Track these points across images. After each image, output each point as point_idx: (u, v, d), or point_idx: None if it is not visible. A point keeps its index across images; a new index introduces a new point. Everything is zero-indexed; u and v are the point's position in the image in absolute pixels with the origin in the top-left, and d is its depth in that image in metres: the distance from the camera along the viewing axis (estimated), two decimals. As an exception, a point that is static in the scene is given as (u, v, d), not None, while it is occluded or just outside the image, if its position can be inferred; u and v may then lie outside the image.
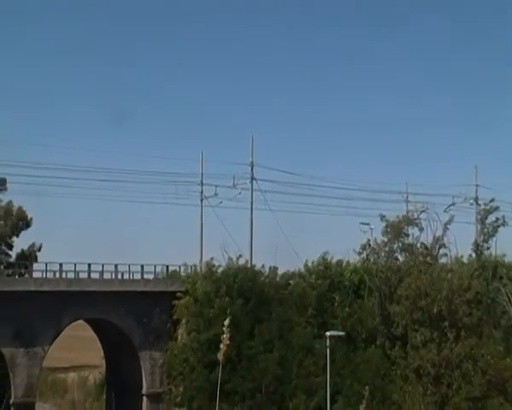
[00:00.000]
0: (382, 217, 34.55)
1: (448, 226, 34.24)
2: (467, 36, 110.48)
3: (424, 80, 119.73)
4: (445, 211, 38.52)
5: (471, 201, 42.34)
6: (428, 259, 32.78)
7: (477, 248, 37.13)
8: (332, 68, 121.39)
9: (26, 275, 31.30)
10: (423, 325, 30.13)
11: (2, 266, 30.59)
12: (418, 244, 33.86)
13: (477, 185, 43.01)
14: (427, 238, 34.12)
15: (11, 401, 29.10)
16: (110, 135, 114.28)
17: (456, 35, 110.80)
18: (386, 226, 33.72)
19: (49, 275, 31.55)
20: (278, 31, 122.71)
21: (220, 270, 31.54)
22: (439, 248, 33.82)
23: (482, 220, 38.09)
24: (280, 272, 33.65)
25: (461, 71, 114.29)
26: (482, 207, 38.77)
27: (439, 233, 33.94)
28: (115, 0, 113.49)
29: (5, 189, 55.46)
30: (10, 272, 31.08)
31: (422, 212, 35.43)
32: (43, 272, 31.53)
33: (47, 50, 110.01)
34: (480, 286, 32.13)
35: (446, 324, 29.81)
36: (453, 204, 40.79)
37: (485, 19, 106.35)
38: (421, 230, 34.79)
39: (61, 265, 32.01)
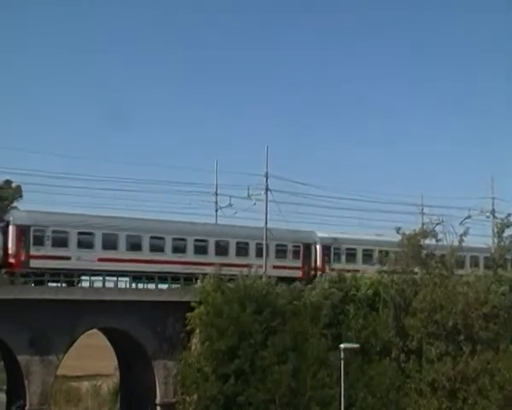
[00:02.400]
0: (398, 229, 34.44)
1: (464, 239, 34.04)
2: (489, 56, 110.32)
3: (439, 93, 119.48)
4: (460, 224, 38.32)
5: (487, 213, 42.07)
6: (444, 272, 32.55)
7: (494, 261, 36.82)
8: (347, 80, 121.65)
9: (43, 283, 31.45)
10: (438, 339, 29.90)
11: (18, 275, 30.76)
12: (434, 257, 33.66)
13: (493, 198, 42.75)
14: (442, 251, 33.95)
15: (26, 408, 29.25)
16: (122, 144, 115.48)
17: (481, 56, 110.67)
18: (402, 239, 33.59)
19: (65, 283, 31.75)
20: (294, 41, 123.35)
21: (230, 282, 31.48)
22: (455, 261, 33.61)
23: (499, 234, 37.79)
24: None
25: (476, 83, 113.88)
26: (499, 220, 38.48)
27: (455, 246, 33.74)
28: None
29: (21, 196, 56.26)
30: (26, 280, 31.27)
31: (438, 224, 35.30)
32: (58, 280, 31.72)
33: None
34: (497, 300, 31.81)
35: (462, 337, 29.55)
36: (469, 217, 40.53)
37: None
38: (438, 242, 34.64)
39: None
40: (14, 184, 54.98)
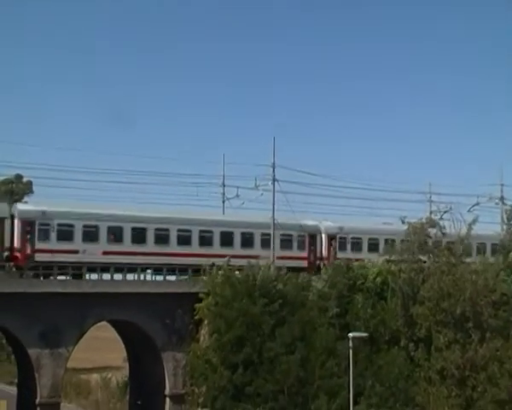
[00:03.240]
0: (403, 219, 34.30)
1: (473, 227, 33.88)
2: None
3: (446, 80, 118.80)
4: (469, 211, 38.22)
5: (496, 200, 41.89)
6: (452, 260, 32.42)
7: (503, 248, 36.65)
8: (354, 71, 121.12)
9: (51, 277, 31.60)
10: (447, 327, 29.80)
11: (27, 268, 30.89)
12: (441, 245, 33.53)
13: (502, 185, 42.56)
14: (450, 239, 33.82)
15: (37, 401, 29.47)
16: (129, 137, 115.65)
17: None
18: (409, 228, 33.47)
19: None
20: (297, 34, 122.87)
21: (238, 273, 31.48)
22: (464, 248, 33.45)
23: (508, 220, 37.60)
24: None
25: (484, 70, 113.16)
26: (508, 206, 38.29)
27: (463, 233, 33.60)
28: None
29: (31, 191, 56.74)
30: (36, 273, 31.42)
31: (446, 212, 35.15)
32: (67, 273, 31.85)
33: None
34: (507, 287, 31.68)
35: (471, 325, 29.44)
36: (478, 204, 40.42)
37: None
38: (445, 230, 34.50)
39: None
40: (24, 179, 55.58)
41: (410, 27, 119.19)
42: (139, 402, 33.82)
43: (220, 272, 31.45)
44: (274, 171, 36.55)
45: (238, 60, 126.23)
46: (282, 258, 35.85)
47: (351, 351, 25.48)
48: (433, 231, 33.87)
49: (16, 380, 37.68)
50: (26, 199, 52.57)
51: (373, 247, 38.90)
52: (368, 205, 43.40)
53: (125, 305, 31.23)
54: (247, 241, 36.11)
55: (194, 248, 34.47)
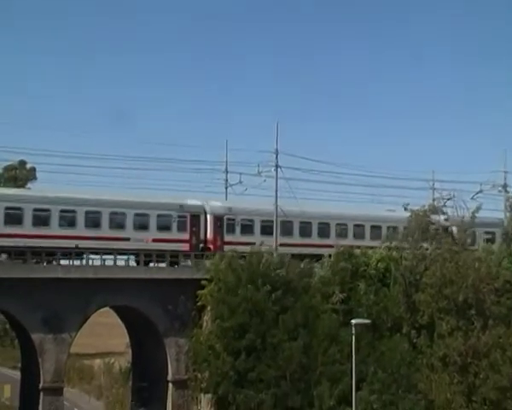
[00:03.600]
0: (406, 206, 34.21)
1: (476, 214, 33.80)
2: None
3: (449, 66, 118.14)
4: (472, 198, 38.11)
5: (499, 188, 41.73)
6: (454, 247, 32.38)
7: (506, 235, 36.56)
8: (358, 55, 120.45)
9: (54, 262, 31.63)
10: (449, 314, 29.80)
11: (30, 254, 30.89)
12: (444, 232, 33.48)
13: (505, 172, 42.37)
14: (453, 226, 33.78)
15: (40, 385, 29.61)
16: (131, 123, 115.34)
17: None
18: (411, 216, 33.40)
19: (76, 262, 31.88)
20: (304, 19, 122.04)
21: (241, 260, 31.40)
22: (467, 236, 33.41)
23: (511, 208, 37.47)
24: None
25: (489, 57, 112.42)
26: (511, 194, 38.14)
27: (466, 221, 33.53)
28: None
29: (34, 177, 56.79)
30: (38, 259, 31.43)
31: (449, 199, 35.07)
32: (70, 259, 31.87)
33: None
34: (509, 274, 31.63)
35: (473, 312, 29.44)
36: (481, 191, 40.28)
37: None
38: (447, 218, 34.43)
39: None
40: (28, 166, 55.64)
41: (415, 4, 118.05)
42: (145, 384, 33.91)
43: (223, 258, 31.43)
44: (277, 157, 36.43)
45: (241, 45, 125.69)
46: (160, 241, 33.12)
47: (353, 338, 25.52)
48: (435, 218, 33.80)
49: (20, 365, 37.84)
50: (29, 185, 52.71)
51: (268, 230, 35.41)
52: (371, 192, 43.31)
53: (128, 291, 31.28)
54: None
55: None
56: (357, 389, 26.80)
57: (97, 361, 54.89)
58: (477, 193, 39.82)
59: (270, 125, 38.71)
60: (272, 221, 35.48)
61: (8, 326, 57.31)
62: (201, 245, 34.62)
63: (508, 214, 38.66)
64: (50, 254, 31.44)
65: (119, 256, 32.92)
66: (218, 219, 34.82)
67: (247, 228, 35.58)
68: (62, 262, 31.65)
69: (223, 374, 29.22)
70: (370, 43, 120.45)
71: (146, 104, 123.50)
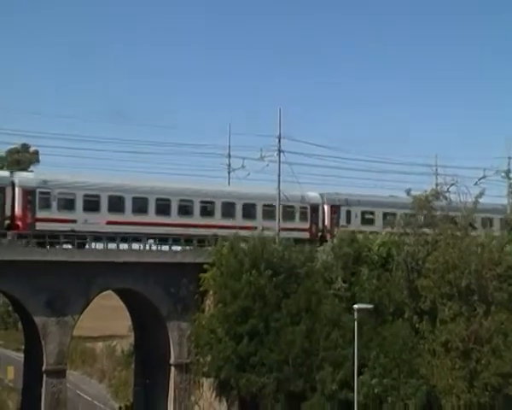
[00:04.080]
0: (408, 191, 34.08)
1: (479, 200, 33.66)
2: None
3: (454, 52, 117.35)
4: (475, 184, 37.96)
5: (502, 174, 41.61)
6: (457, 233, 32.30)
7: (509, 221, 36.46)
8: (364, 38, 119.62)
9: (57, 245, 31.65)
10: (452, 299, 29.76)
11: (31, 237, 30.89)
12: (446, 218, 33.37)
13: (509, 158, 42.23)
14: (456, 212, 33.65)
15: (43, 367, 29.76)
16: (137, 107, 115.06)
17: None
18: (413, 201, 33.27)
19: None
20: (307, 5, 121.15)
21: (244, 244, 31.38)
22: (469, 221, 33.28)
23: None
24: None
25: (492, 43, 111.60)
26: (514, 180, 37.99)
27: (469, 206, 33.40)
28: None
29: (37, 161, 56.82)
30: (41, 241, 31.46)
31: (452, 185, 34.91)
32: (72, 242, 31.86)
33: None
34: (512, 260, 31.54)
35: (476, 298, 29.41)
36: (484, 177, 40.15)
37: None
38: (450, 203, 34.30)
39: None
40: (31, 149, 55.69)
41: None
42: (147, 367, 34.11)
43: (226, 243, 31.42)
44: (280, 142, 36.32)
45: (246, 30, 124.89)
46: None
47: (355, 323, 25.56)
48: (438, 204, 33.67)
49: (23, 347, 38.06)
50: (31, 168, 52.74)
51: (92, 205, 31.82)
52: (374, 177, 43.21)
53: (130, 274, 31.36)
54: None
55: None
56: (359, 373, 26.89)
57: (100, 344, 55.22)
58: (480, 179, 39.74)
59: (273, 110, 38.56)
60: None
61: (11, 309, 57.59)
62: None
63: (510, 200, 38.55)
64: (53, 237, 31.44)
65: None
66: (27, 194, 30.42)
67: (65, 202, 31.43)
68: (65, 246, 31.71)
69: (225, 358, 29.33)
70: (374, 31, 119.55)
71: (147, 91, 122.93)
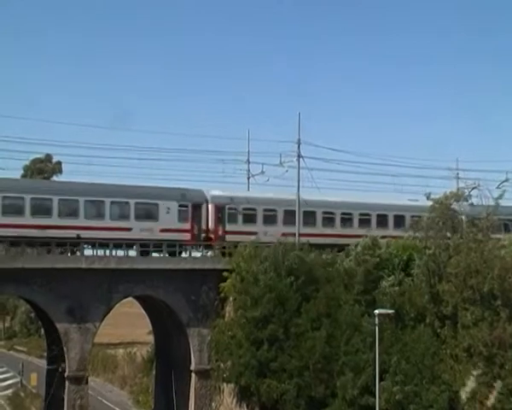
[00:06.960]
0: (428, 195, 33.77)
1: (500, 202, 33.26)
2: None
3: (471, 50, 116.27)
4: (497, 187, 37.52)
5: (525, 177, 41.05)
6: (479, 236, 31.93)
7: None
8: (381, 42, 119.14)
9: (78, 253, 31.95)
10: (474, 304, 29.42)
11: (54, 244, 31.26)
12: (468, 221, 33.01)
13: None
14: (478, 215, 33.26)
15: (66, 374, 30.02)
16: (157, 114, 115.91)
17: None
18: (433, 204, 32.97)
19: (100, 253, 32.15)
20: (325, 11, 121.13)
21: (265, 250, 31.38)
22: (492, 225, 32.87)
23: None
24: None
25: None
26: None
27: (491, 210, 33.00)
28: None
29: (60, 171, 58.15)
30: (62, 249, 31.82)
31: (474, 189, 34.54)
32: (93, 249, 32.16)
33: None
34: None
35: (499, 302, 29.03)
36: (507, 180, 39.68)
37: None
38: (472, 206, 33.92)
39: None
40: (54, 160, 57.35)
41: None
42: (168, 374, 34.18)
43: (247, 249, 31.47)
44: (299, 147, 36.31)
45: (266, 36, 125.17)
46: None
47: (377, 328, 25.37)
48: (459, 207, 33.33)
49: (45, 354, 38.42)
50: (54, 178, 53.87)
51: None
52: (393, 182, 42.88)
53: (151, 281, 31.50)
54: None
55: None
56: (381, 379, 26.65)
57: (120, 351, 55.50)
58: (502, 182, 39.29)
59: (293, 115, 38.56)
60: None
61: (33, 315, 58.27)
62: None
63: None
64: (74, 245, 31.77)
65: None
66: None
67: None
68: (86, 252, 31.99)
69: (245, 364, 29.29)
70: (394, 30, 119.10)
71: (163, 96, 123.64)
